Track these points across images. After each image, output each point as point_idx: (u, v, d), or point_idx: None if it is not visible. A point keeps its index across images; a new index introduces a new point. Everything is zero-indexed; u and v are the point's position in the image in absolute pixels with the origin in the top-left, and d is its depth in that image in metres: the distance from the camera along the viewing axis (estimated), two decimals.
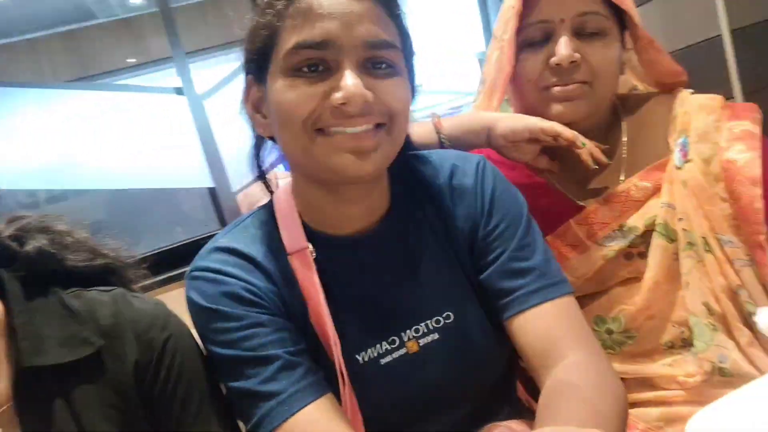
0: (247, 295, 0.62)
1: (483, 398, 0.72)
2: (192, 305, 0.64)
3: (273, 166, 0.81)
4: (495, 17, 1.84)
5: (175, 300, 1.45)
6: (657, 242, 0.81)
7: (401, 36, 0.63)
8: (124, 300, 0.62)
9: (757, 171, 0.77)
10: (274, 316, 0.63)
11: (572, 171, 0.88)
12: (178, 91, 1.58)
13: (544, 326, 0.64)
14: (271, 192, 0.73)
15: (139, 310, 0.61)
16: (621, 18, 0.85)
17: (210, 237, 0.70)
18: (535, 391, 0.85)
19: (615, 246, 0.83)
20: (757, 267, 0.77)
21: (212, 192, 1.59)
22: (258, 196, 0.96)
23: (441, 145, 0.86)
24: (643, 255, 0.82)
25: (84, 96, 1.55)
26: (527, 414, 0.78)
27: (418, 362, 0.67)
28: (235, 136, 1.64)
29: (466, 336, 0.69)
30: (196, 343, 0.65)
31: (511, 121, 0.83)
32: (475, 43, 1.92)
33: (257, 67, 0.62)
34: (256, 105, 0.66)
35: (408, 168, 0.74)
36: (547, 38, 0.83)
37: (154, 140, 1.59)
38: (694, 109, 0.85)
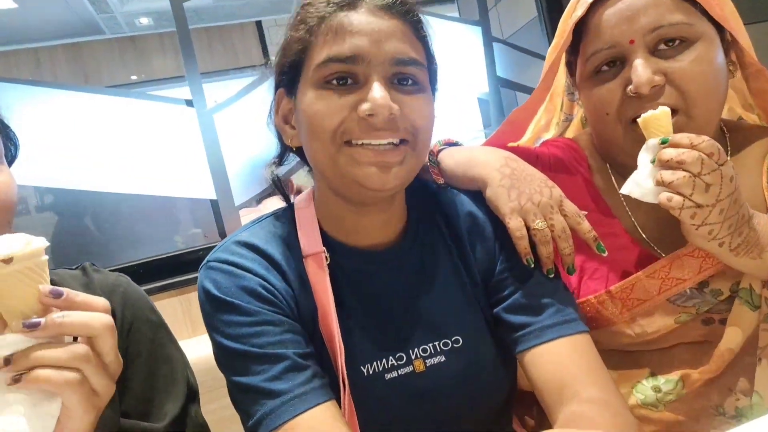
0: (262, 291, 0.63)
1: (480, 425, 0.72)
2: (205, 294, 0.65)
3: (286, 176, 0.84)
4: (499, 59, 1.93)
5: (172, 307, 1.44)
6: (739, 309, 0.69)
7: (427, 56, 0.66)
8: (91, 270, 0.71)
9: None
10: (286, 317, 0.64)
11: (648, 214, 0.77)
12: (189, 103, 1.61)
13: (559, 362, 0.64)
14: (287, 200, 0.76)
15: (106, 275, 0.71)
16: (722, 30, 0.72)
17: (210, 248, 0.72)
18: (530, 428, 0.84)
19: (692, 309, 0.71)
20: None
21: (214, 204, 1.61)
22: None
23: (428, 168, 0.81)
24: (724, 321, 0.70)
25: (98, 100, 1.57)
26: None
27: (423, 382, 0.67)
28: (241, 151, 1.67)
29: (473, 363, 0.69)
30: (152, 311, 0.72)
31: (494, 192, 0.70)
32: (478, 85, 1.98)
33: (289, 80, 0.66)
34: (285, 117, 0.69)
35: (428, 192, 0.77)
36: (620, 62, 0.72)
37: (161, 149, 1.61)
38: None
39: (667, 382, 0.73)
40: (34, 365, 0.44)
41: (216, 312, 0.63)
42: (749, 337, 0.69)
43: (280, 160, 0.76)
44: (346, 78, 0.61)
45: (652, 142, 0.62)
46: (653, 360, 0.75)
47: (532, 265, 0.68)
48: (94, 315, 0.48)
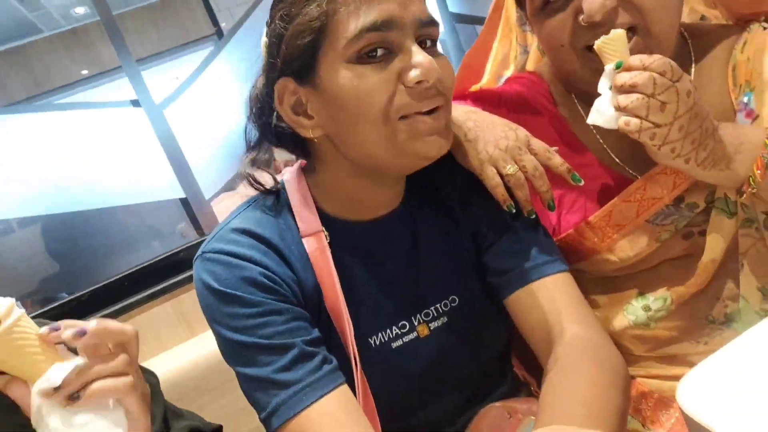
0: (264, 281, 0.62)
1: (486, 376, 0.75)
2: (204, 287, 0.63)
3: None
4: None
5: (165, 313, 1.42)
6: (717, 218, 0.70)
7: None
8: None
9: None
10: (290, 304, 0.63)
11: (619, 138, 0.74)
12: (135, 103, 1.53)
13: (543, 301, 0.66)
14: (267, 191, 0.71)
15: None
16: None
17: (192, 246, 0.69)
18: (530, 366, 0.87)
19: (671, 226, 0.72)
20: None
21: (185, 203, 1.56)
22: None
23: None
24: (704, 233, 0.71)
25: (41, 119, 1.49)
26: (524, 389, 0.81)
27: (428, 345, 0.69)
28: (201, 141, 1.60)
29: (471, 318, 0.71)
30: None
31: (462, 148, 0.70)
32: None
33: (301, 66, 0.60)
34: (295, 108, 0.63)
35: None
36: None
37: (116, 156, 1.54)
38: (759, 50, 0.70)
39: (656, 299, 0.75)
40: (91, 380, 0.47)
41: (219, 305, 0.62)
42: (729, 245, 0.70)
43: (257, 152, 0.70)
44: (378, 49, 0.57)
45: (609, 67, 0.62)
46: (640, 280, 0.76)
47: (514, 211, 0.69)
48: (120, 323, 0.51)
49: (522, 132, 0.69)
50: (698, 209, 0.71)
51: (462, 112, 0.73)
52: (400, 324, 0.68)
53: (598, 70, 0.63)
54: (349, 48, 0.56)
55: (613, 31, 0.61)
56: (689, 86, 0.59)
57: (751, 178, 0.62)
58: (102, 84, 4.44)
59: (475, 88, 0.92)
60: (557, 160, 0.68)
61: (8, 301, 0.46)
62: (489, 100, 0.78)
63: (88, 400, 0.46)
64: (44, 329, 0.47)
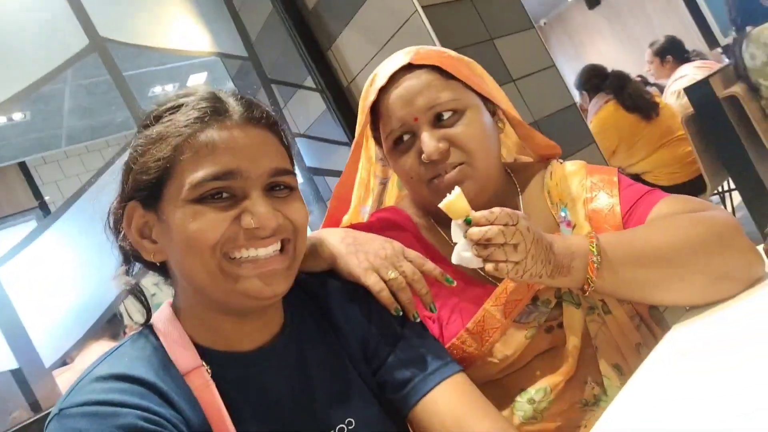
0: (146, 425, 0.54)
1: None
2: None
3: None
4: (304, 150, 2.02)
5: None
6: (568, 310, 0.81)
7: (291, 160, 0.70)
8: None
9: (617, 218, 0.81)
10: None
11: None
12: None
13: (448, 406, 0.67)
14: (149, 311, 0.69)
15: None
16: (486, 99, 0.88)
17: (26, 426, 0.59)
18: None
19: (534, 322, 0.81)
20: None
21: (17, 374, 1.32)
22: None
23: None
24: (562, 325, 0.82)
25: None
26: None
27: None
28: (42, 303, 1.42)
29: None
30: None
31: (345, 261, 0.76)
32: None
33: (147, 195, 0.62)
34: (141, 230, 0.64)
35: (296, 283, 0.75)
36: (412, 134, 0.84)
37: None
38: (562, 178, 0.89)
39: (537, 391, 0.81)
40: None
41: None
42: (584, 332, 0.81)
43: (127, 270, 0.69)
44: (222, 193, 0.61)
45: (458, 222, 0.70)
46: (520, 378, 0.83)
47: (401, 314, 0.73)
48: None
49: (397, 244, 0.78)
50: (551, 304, 0.82)
51: (339, 232, 0.82)
52: None
53: (443, 197, 0.73)
54: (192, 192, 0.60)
55: (453, 192, 0.70)
56: (526, 222, 0.69)
57: (588, 279, 0.72)
58: None
59: (344, 219, 1.02)
60: (430, 266, 0.76)
61: None
62: (360, 229, 0.87)
63: None
64: None
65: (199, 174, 0.60)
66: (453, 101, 0.83)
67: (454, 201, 0.70)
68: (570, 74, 3.28)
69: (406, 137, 0.85)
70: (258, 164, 0.62)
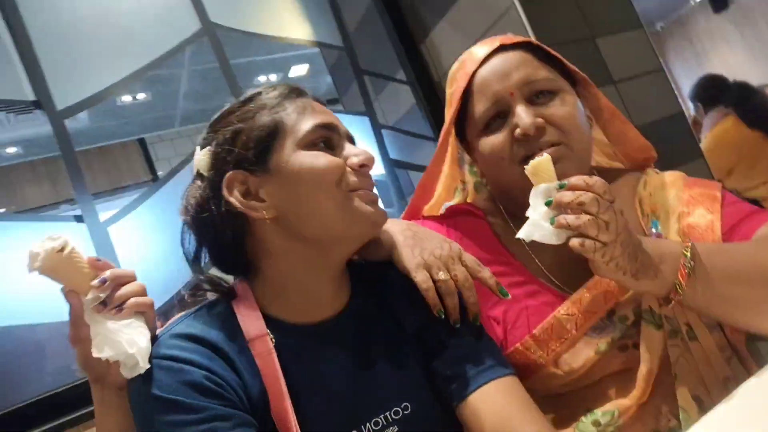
0: (209, 384, 0.59)
1: None
2: (142, 396, 0.59)
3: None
4: (389, 143, 2.06)
5: None
6: (647, 330, 0.74)
7: None
8: None
9: (716, 236, 0.74)
10: (236, 409, 0.60)
11: (550, 255, 0.81)
12: (78, 219, 1.51)
13: (493, 406, 0.66)
14: (225, 294, 0.71)
15: None
16: (574, 85, 0.84)
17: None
18: None
19: (607, 338, 0.76)
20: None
21: None
22: None
23: None
24: (638, 346, 0.75)
25: None
26: None
27: None
28: (141, 263, 1.57)
29: (423, 427, 0.69)
30: None
31: (400, 252, 0.76)
32: (375, 169, 2.08)
33: (255, 156, 0.68)
34: (244, 194, 0.68)
35: (362, 268, 0.79)
36: (504, 115, 0.81)
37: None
38: (657, 188, 0.82)
39: (604, 414, 0.75)
40: (127, 296, 0.64)
41: (159, 414, 0.58)
42: (662, 356, 0.74)
43: (197, 257, 0.73)
44: (321, 143, 0.70)
45: (542, 187, 0.66)
46: (586, 397, 0.78)
47: (443, 316, 0.71)
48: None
49: (456, 246, 0.75)
50: (629, 321, 0.75)
51: (402, 224, 0.81)
52: None
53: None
54: (306, 137, 0.69)
55: (541, 156, 0.67)
56: (620, 206, 0.65)
57: (677, 285, 0.65)
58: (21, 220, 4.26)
59: (425, 208, 1.01)
60: (486, 274, 0.73)
61: (64, 237, 0.62)
62: (432, 224, 0.88)
63: (127, 311, 0.63)
64: (92, 257, 0.65)
65: (310, 123, 0.70)
66: (549, 80, 0.81)
67: (542, 162, 0.66)
68: (688, 86, 3.01)
69: (497, 120, 0.82)
70: (341, 125, 0.74)
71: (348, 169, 0.70)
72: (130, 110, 4.22)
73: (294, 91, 0.74)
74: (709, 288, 0.66)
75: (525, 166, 0.68)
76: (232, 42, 1.94)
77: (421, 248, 0.74)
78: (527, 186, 0.70)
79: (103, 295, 0.63)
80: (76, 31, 1.66)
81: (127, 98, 3.98)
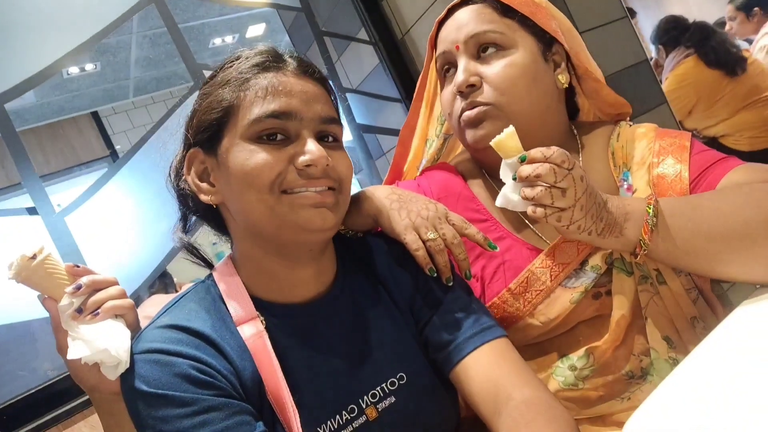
0: (197, 374, 0.58)
1: None
2: (132, 393, 0.58)
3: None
4: (355, 107, 2.00)
5: None
6: (618, 277, 0.77)
7: (338, 117, 0.72)
8: None
9: (684, 185, 0.76)
10: (228, 398, 0.59)
11: (524, 213, 0.83)
12: (31, 211, 1.43)
13: (486, 369, 0.67)
14: (209, 265, 0.73)
15: None
16: (547, 37, 0.83)
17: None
18: None
19: (580, 287, 0.78)
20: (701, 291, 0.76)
21: None
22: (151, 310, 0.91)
23: None
24: (610, 293, 0.78)
25: None
26: None
27: (378, 428, 0.66)
28: (106, 251, 1.51)
29: (420, 395, 0.70)
30: None
31: (387, 217, 0.76)
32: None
33: (208, 137, 0.66)
34: (201, 175, 0.68)
35: (347, 242, 0.79)
36: (454, 67, 0.82)
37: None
38: (629, 140, 0.84)
39: (579, 358, 0.79)
40: (102, 301, 0.63)
41: (150, 410, 0.56)
42: (633, 302, 0.77)
43: (184, 224, 0.75)
44: (277, 134, 0.64)
45: (509, 161, 0.69)
46: (561, 343, 0.81)
47: (434, 275, 0.73)
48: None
49: (441, 206, 0.77)
50: (601, 270, 0.78)
51: (387, 189, 0.81)
52: (348, 408, 0.66)
53: (465, 135, 0.76)
54: (250, 128, 0.64)
55: (505, 130, 0.68)
56: (581, 171, 0.68)
57: (641, 242, 0.69)
58: None
59: (406, 167, 1.01)
60: (473, 230, 0.75)
61: (40, 243, 0.62)
62: (409, 187, 0.88)
63: (103, 315, 0.62)
64: (69, 264, 0.64)
65: (259, 110, 0.64)
66: (497, 34, 0.80)
67: (505, 139, 0.68)
68: (650, 30, 3.00)
69: (451, 71, 0.83)
70: (311, 109, 0.66)
71: (293, 167, 0.64)
72: (78, 83, 3.98)
73: (272, 61, 0.68)
74: (671, 242, 0.69)
75: (491, 141, 0.69)
76: (183, 4, 1.82)
77: (407, 210, 0.75)
78: (464, 141, 0.76)
79: (76, 301, 0.61)
80: (11, 6, 1.53)
81: (74, 70, 3.75)
